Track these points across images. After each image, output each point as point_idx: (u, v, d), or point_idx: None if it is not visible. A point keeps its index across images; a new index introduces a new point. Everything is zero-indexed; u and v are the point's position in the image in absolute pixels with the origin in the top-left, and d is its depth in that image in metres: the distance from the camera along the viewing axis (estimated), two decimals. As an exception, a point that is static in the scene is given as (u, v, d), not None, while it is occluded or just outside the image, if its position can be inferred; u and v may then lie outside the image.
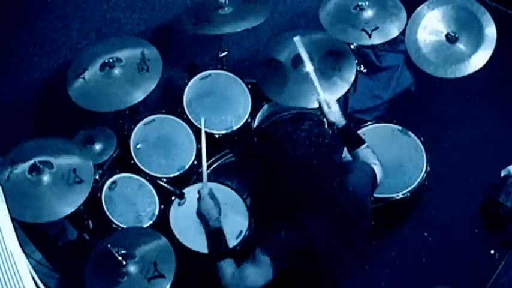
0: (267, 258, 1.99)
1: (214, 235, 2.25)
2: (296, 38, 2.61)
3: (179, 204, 2.88)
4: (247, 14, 3.03)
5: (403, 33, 2.92)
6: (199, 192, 2.36)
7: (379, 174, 2.26)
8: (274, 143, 1.92)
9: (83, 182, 2.62)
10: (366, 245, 2.99)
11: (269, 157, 1.93)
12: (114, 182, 2.88)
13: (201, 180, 2.44)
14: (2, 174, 2.59)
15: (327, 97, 2.51)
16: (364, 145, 2.38)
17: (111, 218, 2.79)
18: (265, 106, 3.12)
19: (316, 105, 2.52)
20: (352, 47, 2.99)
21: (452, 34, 2.84)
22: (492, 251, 3.11)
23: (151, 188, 2.90)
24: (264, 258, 2.00)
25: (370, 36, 2.85)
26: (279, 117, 1.92)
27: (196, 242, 2.78)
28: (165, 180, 2.94)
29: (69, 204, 2.57)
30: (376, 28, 2.86)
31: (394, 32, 2.88)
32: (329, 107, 2.47)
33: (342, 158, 2.07)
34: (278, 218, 2.01)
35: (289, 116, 1.90)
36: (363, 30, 2.87)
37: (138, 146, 3.02)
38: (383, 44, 3.00)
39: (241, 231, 2.77)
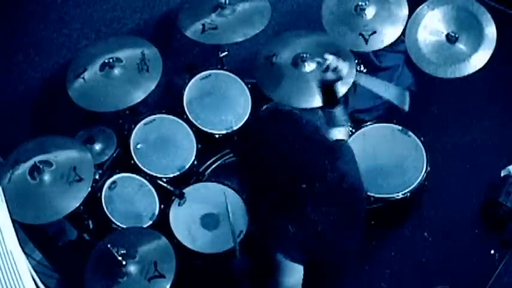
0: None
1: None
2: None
3: (179, 204, 2.88)
4: (250, 14, 3.04)
5: (403, 33, 2.92)
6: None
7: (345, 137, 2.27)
8: (259, 139, 1.92)
9: (83, 180, 2.62)
10: (366, 245, 3.02)
11: (255, 152, 1.93)
12: (114, 182, 2.88)
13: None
14: (3, 177, 2.60)
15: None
16: (340, 107, 2.37)
17: (111, 218, 2.80)
18: (265, 106, 3.12)
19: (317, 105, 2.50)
20: (352, 47, 2.99)
21: (452, 34, 2.84)
22: (492, 251, 3.11)
23: (151, 188, 2.90)
24: (286, 261, 2.01)
25: (366, 42, 2.85)
26: (261, 113, 1.94)
27: (196, 242, 2.79)
28: (165, 180, 2.94)
29: (69, 203, 2.58)
30: (374, 33, 2.86)
31: (391, 37, 2.89)
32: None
33: (327, 140, 2.08)
34: (280, 215, 2.01)
35: (267, 112, 1.93)
36: (361, 34, 2.87)
37: (138, 146, 3.02)
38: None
39: (241, 231, 2.77)
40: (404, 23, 2.90)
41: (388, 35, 2.89)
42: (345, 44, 2.91)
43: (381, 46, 2.90)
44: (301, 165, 1.90)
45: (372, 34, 2.86)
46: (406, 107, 2.59)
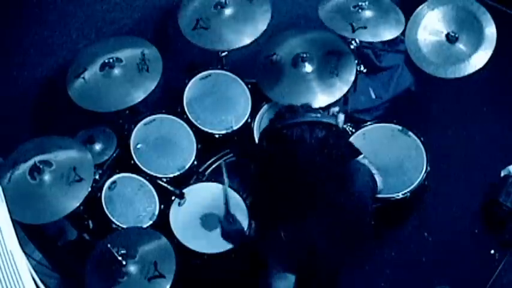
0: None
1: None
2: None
3: (179, 204, 2.88)
4: (247, 20, 3.03)
5: (403, 33, 2.92)
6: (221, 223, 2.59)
7: (378, 182, 2.26)
8: (286, 145, 1.89)
9: (83, 180, 2.62)
10: (366, 246, 3.02)
11: (277, 158, 1.91)
12: (114, 182, 2.88)
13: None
14: (3, 177, 2.60)
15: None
16: (361, 156, 2.37)
17: (111, 218, 2.80)
18: (265, 106, 3.12)
19: (319, 105, 2.49)
20: (352, 47, 2.99)
21: (452, 34, 2.84)
22: (492, 251, 3.11)
23: (151, 188, 2.90)
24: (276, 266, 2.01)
25: (354, 31, 2.84)
26: (295, 121, 1.89)
27: (196, 242, 2.79)
28: (165, 180, 2.94)
29: (69, 203, 2.57)
30: (364, 27, 2.86)
31: (379, 38, 2.88)
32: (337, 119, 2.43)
33: (351, 167, 2.05)
34: (279, 219, 2.01)
35: (307, 120, 1.87)
36: (351, 24, 2.87)
37: (138, 146, 3.02)
38: (383, 44, 3.00)
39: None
40: (396, 34, 2.90)
41: (377, 35, 2.88)
42: (332, 27, 2.90)
43: (367, 39, 2.90)
44: (312, 181, 1.89)
45: (361, 27, 2.86)
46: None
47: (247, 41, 2.98)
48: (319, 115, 1.92)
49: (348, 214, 2.01)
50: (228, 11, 3.05)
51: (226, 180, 2.78)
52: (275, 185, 1.94)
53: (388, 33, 2.87)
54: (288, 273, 2.02)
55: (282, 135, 1.89)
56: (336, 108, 2.41)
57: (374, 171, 2.30)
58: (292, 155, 1.85)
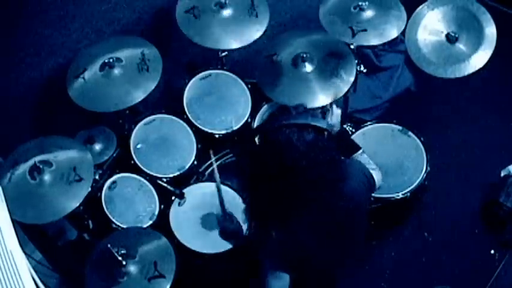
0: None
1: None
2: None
3: (179, 204, 2.88)
4: (239, 28, 3.03)
5: (403, 33, 2.92)
6: (218, 221, 2.56)
7: (377, 179, 2.24)
8: (273, 147, 1.89)
9: (83, 180, 2.62)
10: (366, 246, 3.02)
11: (264, 159, 1.90)
12: (114, 182, 2.89)
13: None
14: (3, 177, 2.60)
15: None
16: (360, 151, 2.36)
17: (111, 218, 2.80)
18: (265, 106, 3.13)
19: (319, 105, 2.50)
20: (352, 47, 2.99)
21: (452, 34, 2.84)
22: (492, 251, 3.11)
23: (151, 188, 2.91)
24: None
25: (353, 35, 2.85)
26: (285, 123, 1.88)
27: (196, 242, 2.79)
28: (165, 180, 2.94)
29: (69, 203, 2.58)
30: (364, 30, 2.86)
31: (379, 41, 2.89)
32: (332, 113, 2.44)
33: (342, 170, 2.04)
34: (269, 219, 2.00)
35: (297, 123, 1.87)
36: (350, 28, 2.87)
37: (138, 146, 3.02)
38: (383, 44, 3.00)
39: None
40: (395, 36, 2.90)
41: (376, 38, 2.89)
42: (332, 32, 2.91)
43: (366, 44, 2.91)
44: (297, 183, 1.88)
45: (361, 31, 2.86)
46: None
47: (230, 45, 2.99)
48: (309, 118, 1.91)
49: (338, 215, 2.00)
50: (225, 13, 3.04)
51: (217, 179, 2.76)
52: (263, 186, 1.93)
53: (387, 36, 2.88)
54: (282, 273, 2.02)
55: (270, 136, 1.89)
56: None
57: (373, 166, 2.28)
58: (278, 157, 1.85)
